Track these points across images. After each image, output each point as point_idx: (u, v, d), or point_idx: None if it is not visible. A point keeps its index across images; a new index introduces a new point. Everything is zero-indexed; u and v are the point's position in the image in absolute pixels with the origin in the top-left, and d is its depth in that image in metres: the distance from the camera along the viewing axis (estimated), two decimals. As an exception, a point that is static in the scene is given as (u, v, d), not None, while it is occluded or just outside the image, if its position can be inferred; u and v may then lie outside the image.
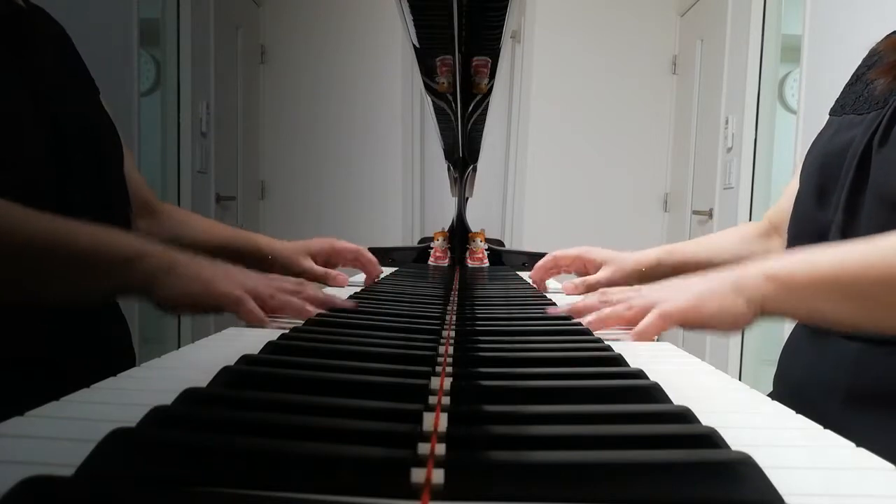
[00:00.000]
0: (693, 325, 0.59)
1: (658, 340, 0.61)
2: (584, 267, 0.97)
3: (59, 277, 0.55)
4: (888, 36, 0.73)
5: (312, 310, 0.63)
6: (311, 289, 0.68)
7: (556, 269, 1.01)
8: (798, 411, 0.37)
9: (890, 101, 0.64)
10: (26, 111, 0.62)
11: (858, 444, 0.31)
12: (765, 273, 0.56)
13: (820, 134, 0.76)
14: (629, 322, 0.62)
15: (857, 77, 0.74)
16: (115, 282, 0.57)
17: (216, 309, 0.60)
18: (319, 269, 0.96)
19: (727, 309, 0.57)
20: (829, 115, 0.77)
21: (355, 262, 1.03)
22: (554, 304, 0.75)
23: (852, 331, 0.61)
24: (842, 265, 0.54)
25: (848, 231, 0.65)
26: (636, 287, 0.67)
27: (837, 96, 0.77)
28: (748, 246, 0.91)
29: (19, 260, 0.52)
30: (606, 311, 0.63)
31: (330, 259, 1.00)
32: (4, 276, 0.53)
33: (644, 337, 0.59)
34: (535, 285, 1.02)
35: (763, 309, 0.57)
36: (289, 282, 0.68)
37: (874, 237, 0.54)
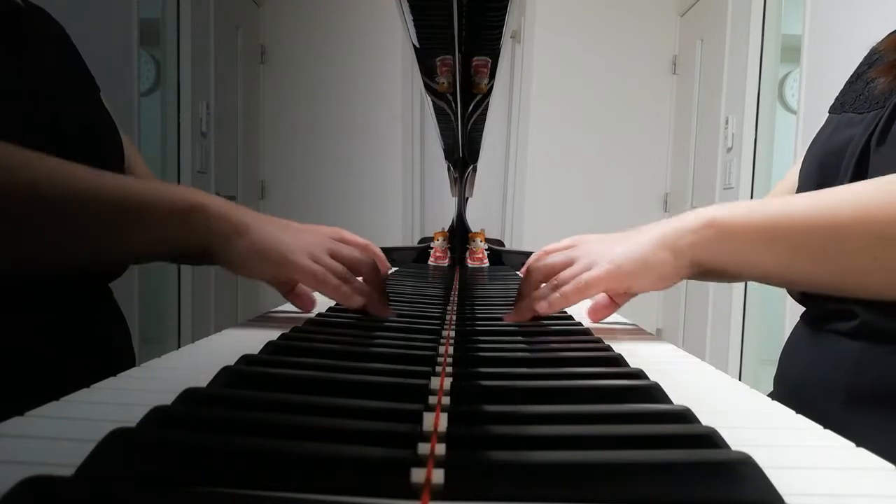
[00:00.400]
0: (616, 289, 0.58)
1: (659, 341, 0.61)
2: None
3: (107, 231, 0.51)
4: (889, 35, 0.73)
5: (386, 311, 0.61)
6: (377, 274, 0.65)
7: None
8: (798, 411, 0.37)
9: (889, 101, 0.64)
10: (26, 111, 0.62)
11: (858, 444, 0.31)
12: (707, 218, 0.54)
13: (819, 132, 0.76)
14: (551, 300, 0.61)
15: (858, 75, 0.74)
16: (168, 236, 0.53)
17: (284, 282, 0.58)
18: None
19: (650, 266, 0.55)
20: (829, 112, 0.77)
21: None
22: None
23: (785, 286, 0.59)
24: (786, 213, 0.51)
25: None
26: (575, 241, 0.66)
27: (837, 94, 0.77)
28: None
29: (63, 213, 0.48)
30: (527, 302, 0.62)
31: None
32: (46, 231, 0.49)
33: (555, 307, 0.58)
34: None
35: (694, 260, 0.55)
36: (359, 247, 0.66)
37: (824, 190, 0.52)
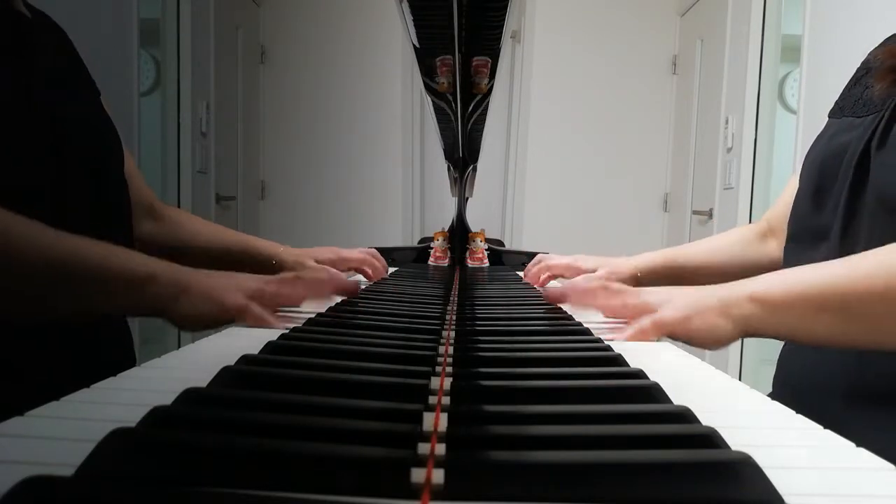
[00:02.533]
0: (679, 337, 0.60)
1: (658, 341, 0.61)
2: (576, 275, 0.97)
3: (71, 297, 0.55)
4: (886, 41, 0.73)
5: (321, 291, 0.66)
6: (311, 273, 0.69)
7: (548, 277, 1.01)
8: (798, 411, 0.37)
9: (887, 104, 0.64)
10: (27, 116, 0.62)
11: (858, 443, 0.31)
12: (749, 294, 0.57)
13: (819, 136, 0.76)
14: (619, 316, 0.64)
15: (856, 80, 0.75)
16: (127, 303, 0.58)
17: (228, 321, 0.61)
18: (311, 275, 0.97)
19: (713, 328, 0.58)
20: (829, 117, 0.77)
21: (362, 270, 1.03)
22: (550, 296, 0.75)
23: (835, 347, 0.62)
24: (824, 283, 0.54)
25: (847, 232, 0.66)
26: (633, 288, 0.68)
27: (837, 98, 0.77)
28: (745, 249, 0.92)
29: (32, 278, 0.52)
30: (602, 299, 0.65)
31: (336, 268, 1.00)
32: (16, 293, 0.52)
33: (637, 338, 0.60)
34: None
35: (748, 328, 0.58)
36: (287, 274, 0.69)
37: (854, 256, 0.55)
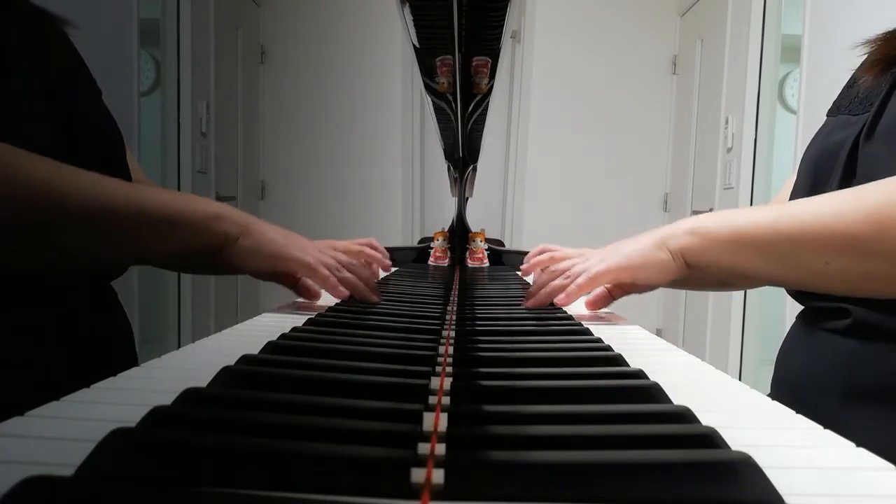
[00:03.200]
0: (624, 280, 0.67)
1: (659, 336, 0.61)
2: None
3: (144, 238, 0.58)
4: (877, 36, 0.73)
5: (373, 289, 0.70)
6: (368, 270, 0.74)
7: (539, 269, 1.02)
8: (797, 411, 0.37)
9: (878, 100, 0.64)
10: (43, 113, 0.62)
11: (857, 443, 0.31)
12: (687, 228, 0.64)
13: (816, 133, 0.77)
14: (568, 290, 0.70)
15: (854, 80, 0.75)
16: (196, 241, 0.61)
17: (286, 271, 0.66)
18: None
19: (652, 261, 0.64)
20: (826, 115, 0.77)
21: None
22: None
23: (765, 283, 0.68)
24: (756, 222, 0.59)
25: None
26: (581, 251, 0.79)
27: (835, 98, 0.77)
28: None
29: (109, 223, 0.55)
30: (547, 289, 0.72)
31: None
32: (95, 240, 0.55)
33: (574, 296, 0.68)
34: (523, 276, 1.03)
35: (685, 260, 0.64)
36: (351, 260, 0.72)
37: (787, 202, 0.61)
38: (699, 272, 0.65)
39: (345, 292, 0.68)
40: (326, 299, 0.73)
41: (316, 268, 0.66)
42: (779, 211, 0.59)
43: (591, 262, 0.70)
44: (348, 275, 0.69)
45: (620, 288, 0.73)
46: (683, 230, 0.64)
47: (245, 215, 0.65)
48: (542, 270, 0.96)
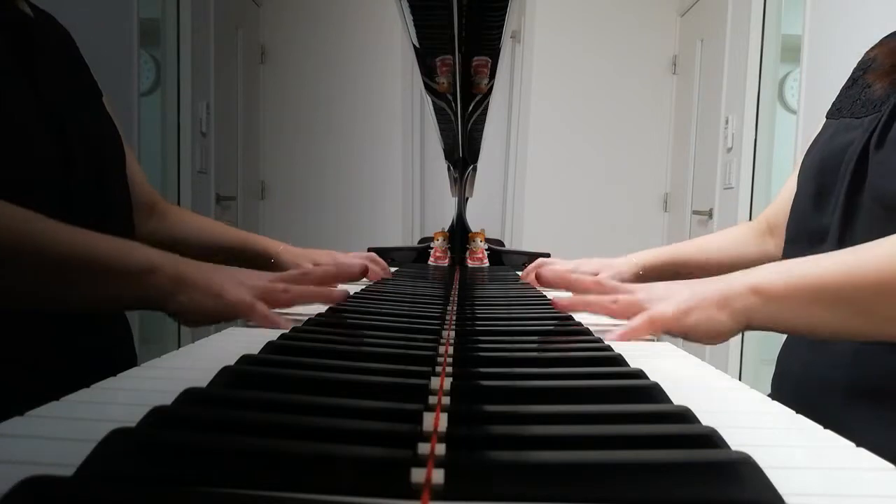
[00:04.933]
0: (676, 333, 0.59)
1: (658, 341, 0.61)
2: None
3: (74, 287, 0.55)
4: (883, 40, 0.73)
5: (331, 291, 0.65)
6: (320, 271, 0.68)
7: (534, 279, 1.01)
8: (797, 411, 0.37)
9: (886, 104, 0.64)
10: (34, 117, 0.62)
11: (857, 442, 0.31)
12: (749, 286, 0.56)
13: (817, 137, 0.76)
14: (611, 314, 0.63)
15: (854, 81, 0.74)
16: (129, 294, 0.57)
17: (231, 318, 0.60)
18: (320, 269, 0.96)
19: (710, 322, 0.57)
20: (826, 118, 0.77)
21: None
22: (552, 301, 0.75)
23: (837, 339, 0.61)
24: (824, 275, 0.54)
25: (845, 233, 0.66)
26: (630, 285, 0.67)
27: (834, 99, 0.77)
28: (744, 247, 0.92)
29: (36, 269, 0.52)
30: (593, 297, 0.64)
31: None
32: (21, 284, 0.52)
33: (629, 337, 0.59)
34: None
35: (749, 321, 0.57)
36: (292, 272, 0.68)
37: (855, 247, 0.54)
38: (763, 329, 0.59)
39: (285, 325, 0.61)
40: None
41: (254, 307, 0.60)
42: (848, 259, 0.54)
43: (642, 298, 0.62)
44: (297, 289, 0.64)
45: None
46: (747, 289, 0.56)
47: (181, 265, 0.59)
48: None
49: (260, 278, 0.63)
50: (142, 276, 0.56)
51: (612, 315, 0.63)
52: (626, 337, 0.59)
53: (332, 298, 0.66)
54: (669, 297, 0.59)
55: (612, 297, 0.63)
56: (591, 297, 0.64)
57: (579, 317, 0.68)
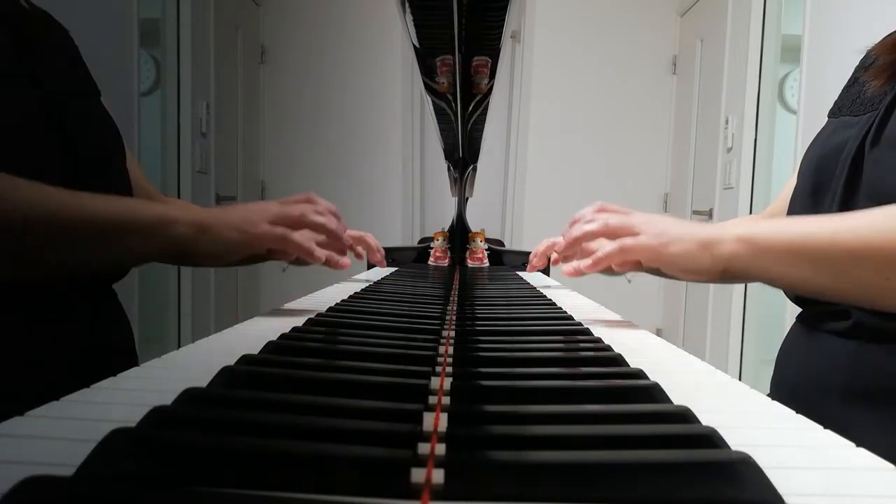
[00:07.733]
0: (653, 263, 0.61)
1: (659, 336, 0.61)
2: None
3: (97, 248, 0.56)
4: (884, 38, 0.73)
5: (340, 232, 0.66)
6: (323, 202, 0.69)
7: (547, 251, 1.00)
8: (796, 410, 0.37)
9: (882, 103, 0.64)
10: (36, 110, 0.62)
11: (857, 442, 0.31)
12: (738, 234, 0.58)
13: (817, 135, 0.76)
14: (607, 231, 0.64)
15: (854, 79, 0.75)
16: (149, 249, 0.58)
17: (259, 249, 0.61)
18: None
19: (689, 257, 0.59)
20: (828, 116, 0.77)
21: (354, 251, 1.05)
22: (552, 302, 0.75)
23: (808, 296, 0.63)
24: (810, 233, 0.55)
25: None
26: (630, 212, 0.69)
27: (836, 98, 0.77)
28: None
29: (49, 233, 0.53)
30: (587, 225, 0.65)
31: None
32: (43, 252, 0.54)
33: (599, 264, 0.61)
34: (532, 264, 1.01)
35: (727, 266, 0.58)
36: (296, 196, 0.68)
37: (843, 213, 0.56)
38: (737, 279, 0.61)
39: (322, 256, 0.64)
40: (327, 300, 0.73)
41: (286, 237, 0.61)
42: (836, 223, 0.55)
43: (631, 222, 0.63)
44: (312, 217, 0.64)
45: (636, 265, 0.67)
46: (733, 236, 0.58)
47: (198, 211, 0.61)
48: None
49: (272, 204, 0.64)
50: (162, 227, 0.57)
51: (607, 233, 0.64)
52: (598, 263, 0.61)
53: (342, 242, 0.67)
54: (656, 227, 0.61)
55: (602, 223, 0.64)
56: (587, 225, 0.65)
57: (579, 317, 0.68)
